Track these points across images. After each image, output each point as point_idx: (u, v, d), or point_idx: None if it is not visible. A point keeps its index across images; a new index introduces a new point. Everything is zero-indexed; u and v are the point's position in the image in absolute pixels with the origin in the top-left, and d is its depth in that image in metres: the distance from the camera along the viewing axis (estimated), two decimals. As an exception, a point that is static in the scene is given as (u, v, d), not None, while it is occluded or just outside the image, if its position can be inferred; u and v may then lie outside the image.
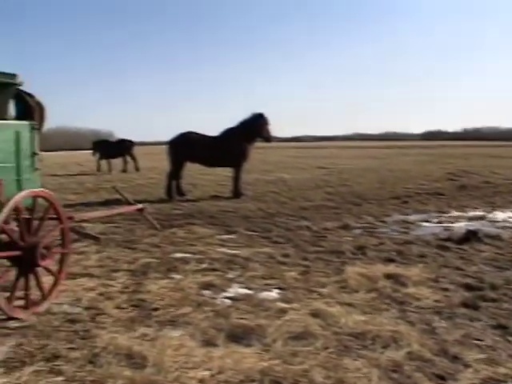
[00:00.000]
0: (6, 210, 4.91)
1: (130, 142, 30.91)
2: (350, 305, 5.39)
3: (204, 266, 7.04)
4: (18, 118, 6.02)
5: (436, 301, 5.55)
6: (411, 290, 5.90)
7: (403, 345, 4.34)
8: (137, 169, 28.84)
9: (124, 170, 28.77)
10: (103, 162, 29.87)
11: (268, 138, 16.19)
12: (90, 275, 6.62)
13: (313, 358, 4.12)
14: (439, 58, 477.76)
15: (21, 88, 5.86)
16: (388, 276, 6.43)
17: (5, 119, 5.62)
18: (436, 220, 11.13)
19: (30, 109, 6.00)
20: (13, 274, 5.32)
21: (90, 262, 7.34)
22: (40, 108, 6.11)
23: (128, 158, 29.69)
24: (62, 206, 5.75)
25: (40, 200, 5.47)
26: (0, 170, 5.32)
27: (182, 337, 4.53)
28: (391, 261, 7.28)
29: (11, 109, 5.97)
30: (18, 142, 5.54)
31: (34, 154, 5.77)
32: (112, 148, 30.44)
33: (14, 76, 5.52)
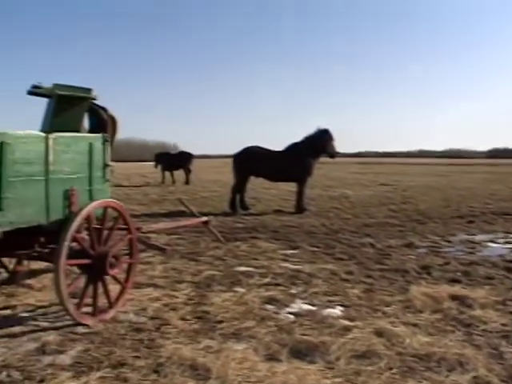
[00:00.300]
0: (79, 218, 5.09)
1: (189, 154, 31.67)
2: (414, 325, 5.29)
3: (267, 280, 7.07)
4: (92, 130, 6.22)
5: (503, 324, 5.38)
6: (478, 312, 5.74)
7: (469, 369, 4.24)
8: (187, 181, 29.50)
9: (186, 182, 29.28)
10: (167, 174, 30.53)
11: (333, 154, 16.15)
12: (155, 285, 6.76)
13: (376, 377, 4.08)
14: (503, 73, 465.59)
15: (95, 102, 6.06)
16: (453, 297, 6.28)
17: (79, 132, 5.82)
18: (503, 241, 10.82)
19: (103, 122, 6.19)
20: (82, 281, 5.48)
21: (155, 272, 7.50)
22: (113, 121, 6.30)
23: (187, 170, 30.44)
24: (130, 217, 5.91)
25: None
26: (73, 180, 5.51)
27: (245, 350, 4.56)
28: (457, 281, 7.11)
29: (85, 122, 6.18)
30: (91, 153, 5.72)
31: (105, 166, 5.95)
32: (172, 160, 31.28)
33: (89, 90, 5.71)
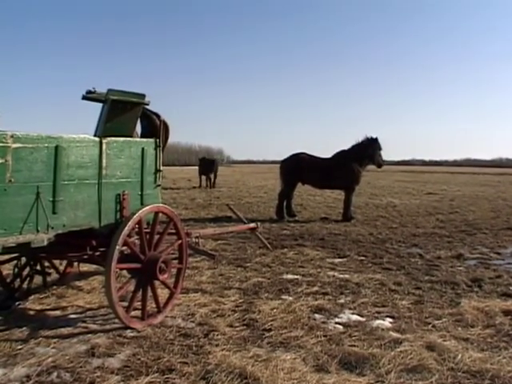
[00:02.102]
0: (130, 223, 5.11)
1: (213, 161, 33.69)
2: (466, 340, 5.16)
3: (315, 289, 7.01)
4: (143, 135, 6.27)
5: (560, 342, 5.20)
6: (532, 328, 5.56)
7: (525, 388, 4.11)
8: (213, 186, 31.20)
9: (211, 186, 31.08)
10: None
11: (379, 164, 16.00)
12: (203, 291, 6.78)
13: (428, 393, 3.99)
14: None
15: (147, 107, 6.10)
16: (506, 312, 6.11)
17: (132, 137, 5.86)
18: (557, 254, 10.48)
19: (155, 128, 6.23)
20: (131, 285, 5.51)
21: (202, 278, 7.53)
22: (165, 127, 6.33)
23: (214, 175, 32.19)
24: (181, 223, 5.92)
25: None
26: (125, 184, 5.55)
27: (294, 360, 4.51)
28: (509, 296, 6.91)
29: (138, 127, 6.22)
30: (143, 158, 5.76)
31: (157, 171, 5.98)
32: (204, 165, 32.86)
33: (142, 96, 5.76)
